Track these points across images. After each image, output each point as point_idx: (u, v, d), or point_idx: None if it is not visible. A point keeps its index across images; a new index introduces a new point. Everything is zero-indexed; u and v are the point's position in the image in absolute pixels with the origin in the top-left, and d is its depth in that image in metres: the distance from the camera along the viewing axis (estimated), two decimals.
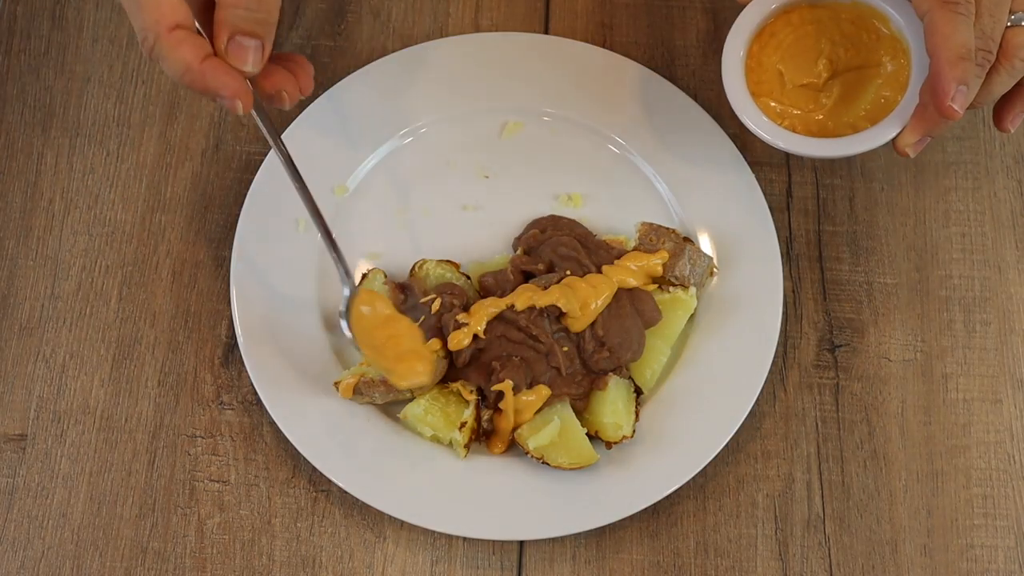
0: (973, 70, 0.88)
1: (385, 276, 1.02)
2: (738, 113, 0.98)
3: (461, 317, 0.98)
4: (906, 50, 0.97)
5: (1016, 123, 0.96)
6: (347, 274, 0.96)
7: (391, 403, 0.99)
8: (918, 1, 0.91)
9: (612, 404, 0.97)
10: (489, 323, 0.98)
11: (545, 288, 0.98)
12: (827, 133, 0.98)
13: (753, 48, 1.00)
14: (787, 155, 1.09)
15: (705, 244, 1.04)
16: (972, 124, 1.10)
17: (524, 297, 0.97)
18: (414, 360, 0.95)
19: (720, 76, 1.10)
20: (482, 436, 0.99)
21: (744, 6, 0.99)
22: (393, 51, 1.10)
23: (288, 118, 1.08)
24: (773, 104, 0.99)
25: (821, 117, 0.99)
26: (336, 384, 0.98)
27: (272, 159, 1.05)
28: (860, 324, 1.04)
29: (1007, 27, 0.90)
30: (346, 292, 0.96)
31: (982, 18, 0.89)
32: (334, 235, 0.97)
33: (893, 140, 0.95)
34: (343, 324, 0.96)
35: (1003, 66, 0.91)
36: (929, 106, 0.92)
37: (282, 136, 1.05)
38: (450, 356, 0.98)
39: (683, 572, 0.97)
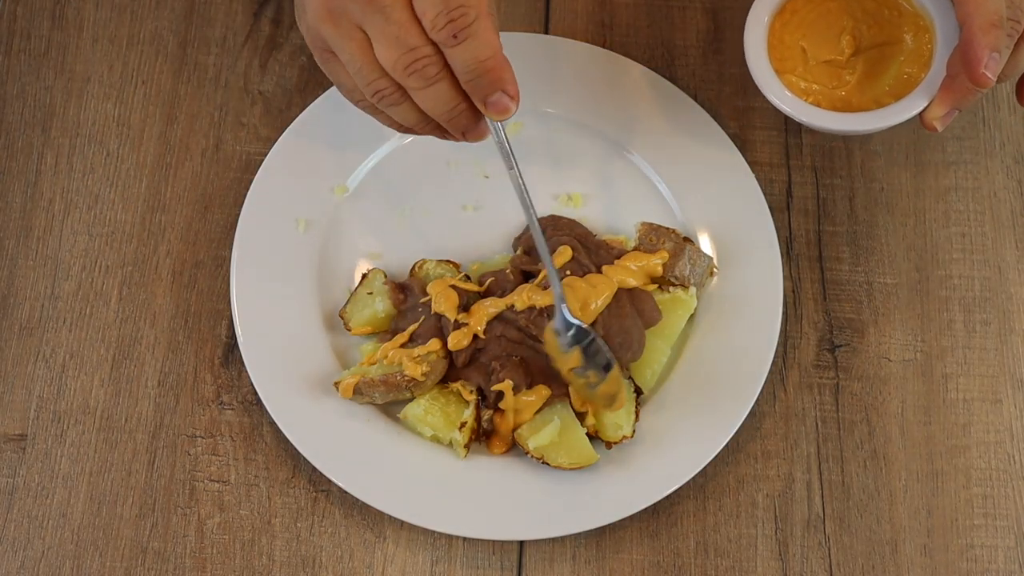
0: (1004, 39, 0.88)
1: (385, 276, 1.02)
2: (762, 89, 0.98)
3: (461, 317, 0.98)
4: (928, 26, 0.97)
5: None
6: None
7: (391, 403, 0.99)
8: None
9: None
10: (489, 323, 0.98)
11: (545, 288, 0.98)
12: (851, 109, 0.98)
13: (775, 25, 1.00)
14: (787, 155, 1.09)
15: (705, 244, 1.04)
16: (972, 124, 1.10)
17: (524, 297, 0.97)
18: (611, 400, 0.96)
19: (720, 75, 1.11)
20: (482, 436, 0.99)
21: None
22: None
23: (288, 118, 1.08)
24: (796, 80, 0.99)
25: (844, 93, 0.99)
26: (336, 384, 0.98)
27: (272, 158, 1.05)
28: (860, 324, 1.04)
29: None
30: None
31: None
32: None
33: (920, 114, 0.95)
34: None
35: None
36: (958, 78, 0.91)
37: (282, 136, 1.06)
38: (450, 356, 0.98)
39: (683, 572, 0.97)
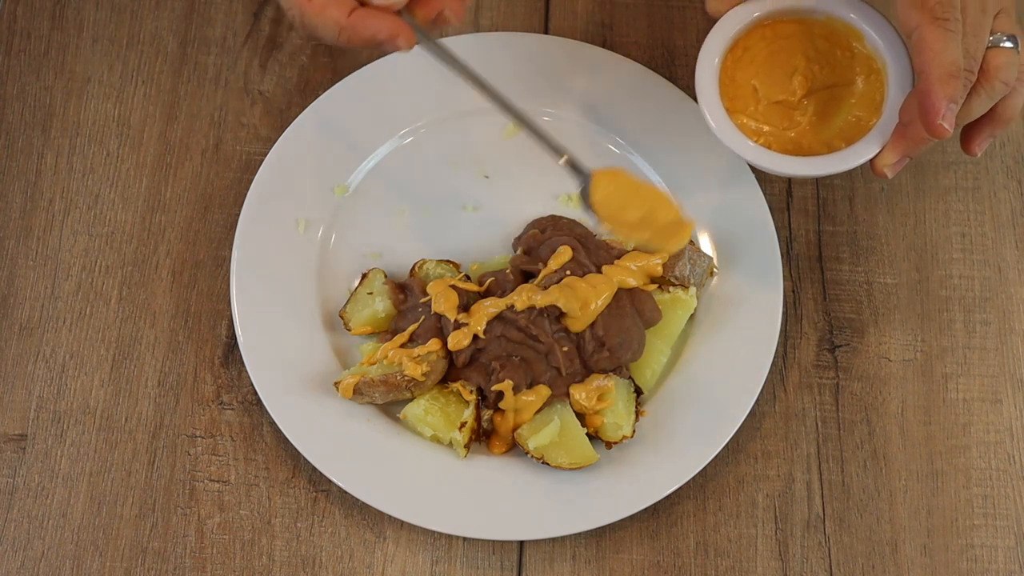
0: (961, 89, 0.87)
1: (385, 276, 1.02)
2: (714, 131, 0.96)
3: (461, 317, 0.98)
4: (880, 69, 0.96)
5: (983, 147, 0.95)
6: (559, 155, 0.94)
7: (391, 403, 0.99)
8: (905, 17, 0.89)
9: (612, 404, 0.97)
10: (489, 323, 0.98)
11: (545, 288, 0.98)
12: (802, 152, 0.97)
13: (727, 62, 0.98)
14: None
15: (705, 244, 1.04)
16: None
17: (524, 297, 0.97)
18: (676, 228, 0.94)
19: None
20: (482, 436, 0.99)
21: (715, 19, 0.98)
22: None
23: (289, 118, 1.08)
24: (747, 121, 0.98)
25: (795, 135, 0.98)
26: (336, 384, 0.98)
27: (272, 158, 1.05)
28: (860, 324, 1.04)
29: (986, 48, 0.90)
30: (580, 182, 0.94)
31: (966, 37, 0.88)
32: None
33: (871, 160, 0.94)
34: (586, 210, 0.94)
35: (983, 87, 0.90)
36: (911, 126, 0.91)
37: (282, 136, 1.06)
38: (450, 356, 0.98)
39: (683, 572, 0.97)
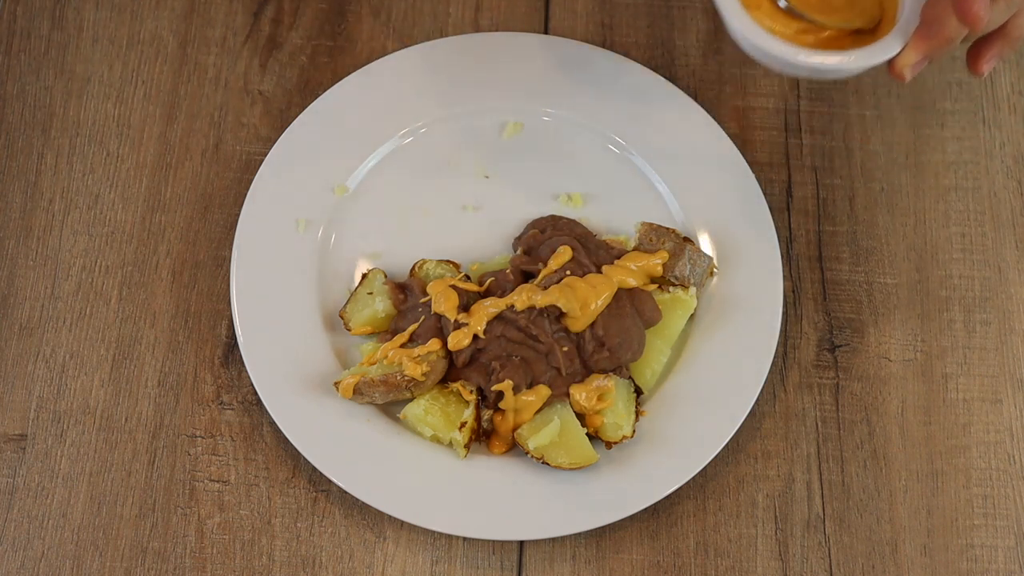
0: None
1: (385, 276, 1.02)
2: (727, 20, 0.92)
3: (461, 317, 0.98)
4: None
5: (990, 66, 0.92)
6: None
7: (391, 403, 0.99)
8: None
9: (612, 404, 0.97)
10: (489, 323, 0.98)
11: (545, 288, 0.98)
12: None
13: None
14: (787, 155, 1.09)
15: (705, 244, 1.04)
16: (972, 124, 1.11)
17: (524, 297, 0.98)
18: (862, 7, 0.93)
19: (720, 75, 1.11)
20: (482, 436, 0.99)
21: None
22: (393, 51, 1.10)
23: (288, 118, 1.08)
24: (760, 17, 0.93)
25: (809, 40, 0.93)
26: (336, 384, 0.98)
27: (272, 158, 1.05)
28: (860, 324, 1.04)
29: None
30: None
31: None
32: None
33: (891, 60, 0.91)
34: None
35: None
36: (934, 24, 0.88)
37: (282, 136, 1.06)
38: (450, 356, 0.98)
39: (683, 572, 0.97)
